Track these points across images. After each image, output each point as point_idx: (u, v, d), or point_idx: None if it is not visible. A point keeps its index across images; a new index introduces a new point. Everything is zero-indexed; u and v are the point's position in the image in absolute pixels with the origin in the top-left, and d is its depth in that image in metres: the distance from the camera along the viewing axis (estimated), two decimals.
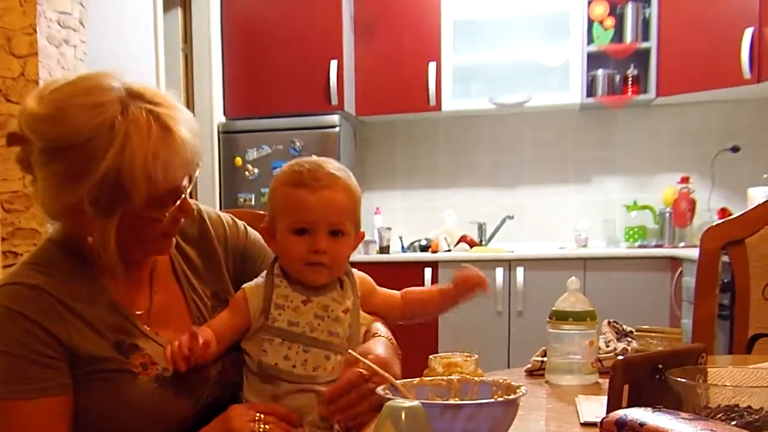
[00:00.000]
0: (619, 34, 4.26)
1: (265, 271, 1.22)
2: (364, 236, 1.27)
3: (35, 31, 2.69)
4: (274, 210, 1.20)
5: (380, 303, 1.30)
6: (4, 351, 1.07)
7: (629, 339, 1.51)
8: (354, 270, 1.26)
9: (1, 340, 1.07)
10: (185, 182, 1.13)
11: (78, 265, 1.14)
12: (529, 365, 1.44)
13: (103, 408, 1.11)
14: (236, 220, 1.37)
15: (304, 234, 1.16)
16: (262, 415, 1.11)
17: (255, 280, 1.22)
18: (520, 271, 4.04)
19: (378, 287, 1.31)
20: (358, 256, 4.14)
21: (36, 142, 1.07)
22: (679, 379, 0.88)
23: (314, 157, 1.23)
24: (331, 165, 1.20)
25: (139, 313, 1.18)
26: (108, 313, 1.14)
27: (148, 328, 1.18)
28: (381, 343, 1.19)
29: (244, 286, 1.22)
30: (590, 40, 4.24)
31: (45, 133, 1.06)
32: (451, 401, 0.96)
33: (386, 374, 1.02)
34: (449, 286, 1.28)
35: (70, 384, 1.10)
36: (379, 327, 1.27)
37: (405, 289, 1.33)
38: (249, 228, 1.37)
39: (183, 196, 1.13)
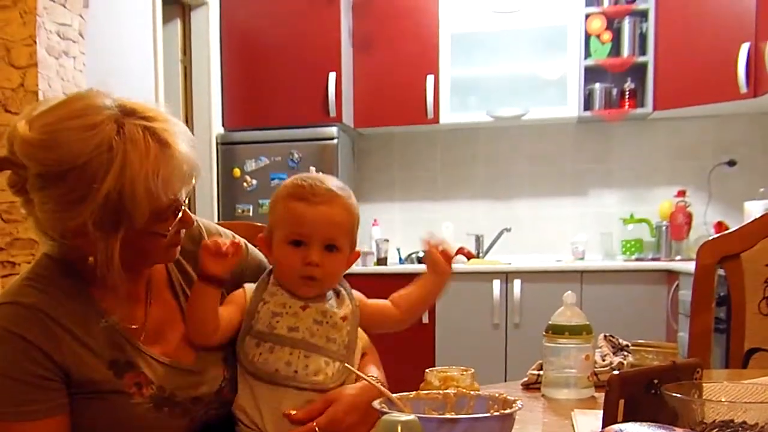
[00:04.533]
0: (616, 48, 4.28)
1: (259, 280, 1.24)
2: (359, 256, 1.29)
3: (35, 42, 2.70)
4: (274, 221, 1.23)
5: (372, 312, 1.29)
6: (1, 373, 1.06)
7: (625, 353, 1.51)
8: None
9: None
10: (183, 194, 1.13)
11: (73, 281, 1.13)
12: (526, 379, 1.44)
13: (97, 427, 1.11)
14: (236, 236, 1.35)
15: (299, 246, 1.19)
16: None
17: (251, 284, 1.24)
18: (517, 284, 4.04)
19: (366, 299, 1.31)
20: (355, 267, 4.13)
21: (32, 168, 1.04)
22: (674, 394, 0.88)
23: (318, 174, 1.26)
24: (333, 182, 1.23)
25: (134, 327, 1.17)
26: (102, 331, 1.13)
27: (144, 346, 1.17)
28: (359, 388, 1.19)
29: (244, 285, 1.24)
30: (587, 54, 4.26)
31: (42, 159, 1.04)
32: (447, 415, 0.96)
33: (382, 388, 1.03)
34: (430, 274, 1.29)
35: (67, 403, 1.10)
36: (371, 368, 1.27)
37: (392, 296, 1.32)
38: (249, 245, 1.36)
39: (183, 208, 1.13)
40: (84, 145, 1.02)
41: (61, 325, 1.09)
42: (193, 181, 1.14)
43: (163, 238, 1.11)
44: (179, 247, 1.19)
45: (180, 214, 1.12)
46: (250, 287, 1.23)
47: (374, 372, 1.26)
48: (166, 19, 4.02)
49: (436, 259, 1.28)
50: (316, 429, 1.12)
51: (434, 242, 1.28)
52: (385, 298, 1.32)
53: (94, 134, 1.03)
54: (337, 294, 1.24)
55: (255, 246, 1.37)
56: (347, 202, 1.22)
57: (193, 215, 1.18)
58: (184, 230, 1.17)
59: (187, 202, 1.15)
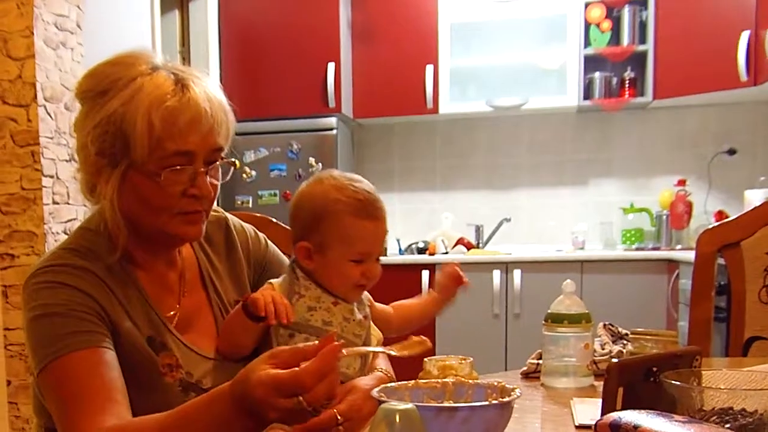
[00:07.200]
0: (616, 37, 4.26)
1: (285, 274, 1.24)
2: None
3: (32, 34, 2.69)
4: (335, 236, 1.20)
5: (377, 316, 1.32)
6: (53, 313, 1.06)
7: (624, 342, 1.51)
8: None
9: (48, 305, 1.06)
10: (210, 155, 1.11)
11: (113, 256, 1.14)
12: (525, 368, 1.44)
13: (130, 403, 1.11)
14: (258, 231, 1.38)
15: (362, 262, 1.21)
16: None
17: (277, 279, 1.24)
18: (517, 274, 4.05)
19: (373, 301, 1.33)
20: None
21: (77, 98, 1.14)
22: (673, 381, 0.88)
23: (352, 175, 1.25)
24: (371, 187, 1.24)
25: (167, 315, 1.19)
26: (141, 308, 1.15)
27: (177, 332, 1.19)
28: (374, 379, 1.21)
29: (270, 282, 1.24)
30: (587, 43, 4.25)
31: (80, 86, 1.14)
32: (446, 404, 0.96)
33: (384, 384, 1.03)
34: (435, 294, 1.35)
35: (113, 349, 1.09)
36: (380, 362, 1.28)
37: (394, 304, 1.35)
38: (269, 241, 1.39)
39: (200, 170, 1.11)
40: (115, 74, 1.10)
41: (109, 287, 1.11)
42: (221, 147, 1.13)
43: (166, 190, 1.10)
44: (200, 228, 1.17)
45: (197, 177, 1.11)
46: (277, 282, 1.23)
47: (383, 365, 1.27)
48: (165, 10, 4.01)
49: (446, 281, 1.34)
50: (338, 416, 1.13)
51: (450, 267, 1.34)
52: (385, 291, 1.34)
53: (127, 68, 1.10)
54: None
55: (286, 250, 1.38)
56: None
57: (220, 210, 1.20)
58: (200, 201, 1.14)
59: (207, 176, 1.13)
